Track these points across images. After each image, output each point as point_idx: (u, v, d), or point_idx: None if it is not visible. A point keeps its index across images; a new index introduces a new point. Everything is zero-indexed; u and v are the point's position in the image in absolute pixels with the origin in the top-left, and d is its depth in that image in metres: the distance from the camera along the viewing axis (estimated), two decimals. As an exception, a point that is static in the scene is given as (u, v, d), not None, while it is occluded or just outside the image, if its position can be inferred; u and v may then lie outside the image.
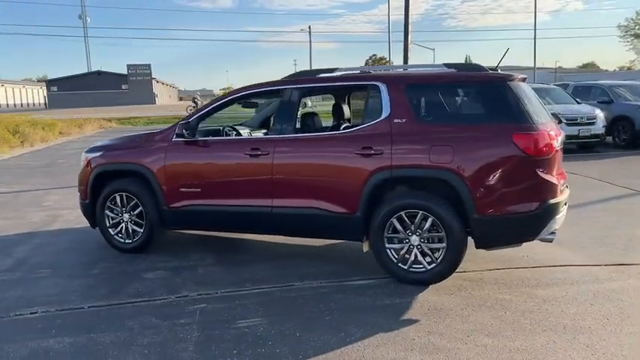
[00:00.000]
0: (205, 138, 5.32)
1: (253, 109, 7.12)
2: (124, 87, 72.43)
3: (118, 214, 5.57)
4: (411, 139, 4.47)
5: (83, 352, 3.48)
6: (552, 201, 4.31)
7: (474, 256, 5.17)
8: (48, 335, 3.72)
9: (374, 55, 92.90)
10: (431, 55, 60.65)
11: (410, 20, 13.35)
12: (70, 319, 4.02)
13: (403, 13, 13.29)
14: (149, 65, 74.14)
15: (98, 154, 5.71)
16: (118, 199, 5.54)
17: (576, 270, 4.85)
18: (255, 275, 4.86)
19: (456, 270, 4.63)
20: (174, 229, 5.61)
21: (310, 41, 57.65)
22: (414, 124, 4.50)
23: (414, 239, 4.48)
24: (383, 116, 4.59)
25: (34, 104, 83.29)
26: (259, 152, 4.92)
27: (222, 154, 5.16)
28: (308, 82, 5.09)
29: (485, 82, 4.51)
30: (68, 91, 69.68)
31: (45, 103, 77.71)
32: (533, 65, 41.55)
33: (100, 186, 5.62)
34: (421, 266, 4.49)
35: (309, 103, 14.77)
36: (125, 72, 73.70)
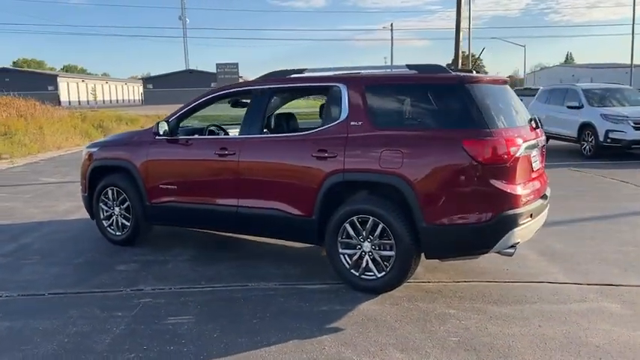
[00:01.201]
0: (183, 137, 5.44)
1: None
2: (212, 85, 75.51)
3: (110, 208, 5.86)
4: (364, 143, 4.34)
5: (11, 336, 3.71)
6: (509, 212, 4.01)
7: (449, 265, 4.95)
8: (-6, 318, 4.01)
9: (463, 52, 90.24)
10: (521, 52, 57.91)
11: (463, 19, 12.89)
12: (23, 304, 4.31)
13: (455, 13, 12.85)
14: (237, 64, 76.16)
15: (96, 149, 6.04)
16: (109, 193, 5.83)
17: (551, 288, 4.49)
18: (218, 273, 4.93)
19: (412, 279, 4.52)
20: (156, 224, 5.80)
21: (392, 39, 57.07)
22: (369, 128, 4.36)
23: (366, 246, 4.34)
24: (341, 118, 4.49)
25: (133, 100, 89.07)
26: (227, 152, 4.98)
27: (196, 154, 5.27)
28: (275, 82, 5.08)
29: (440, 84, 4.28)
30: (162, 88, 73.79)
31: (141, 100, 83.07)
32: (630, 63, 38.56)
33: (96, 180, 5.94)
34: (372, 274, 4.35)
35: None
36: (214, 71, 76.81)
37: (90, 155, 6.03)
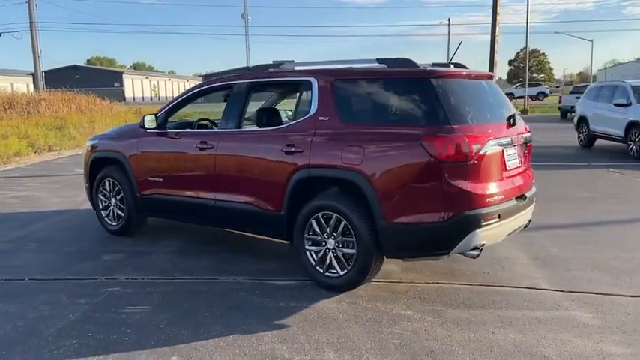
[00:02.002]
0: (168, 130, 5.53)
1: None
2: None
3: (107, 199, 6.06)
4: (329, 138, 4.27)
5: (-25, 318, 3.91)
6: (470, 212, 3.84)
7: (425, 265, 4.83)
8: (-32, 301, 4.23)
9: (524, 48, 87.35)
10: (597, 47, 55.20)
11: (501, 14, 12.39)
12: (1, 288, 4.52)
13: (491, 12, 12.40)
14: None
15: (96, 142, 6.25)
16: (107, 184, 6.03)
17: (526, 293, 4.27)
18: (194, 266, 4.99)
19: (383, 278, 4.48)
20: (147, 216, 5.94)
21: (449, 34, 55.84)
22: (336, 123, 4.29)
23: (330, 243, 4.28)
24: (310, 113, 4.44)
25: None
26: (206, 146, 5.03)
27: (179, 147, 5.35)
28: (251, 76, 5.08)
29: (405, 79, 4.14)
30: (220, 84, 75.48)
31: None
32: None
33: (95, 171, 6.16)
34: (335, 272, 4.28)
35: None
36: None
37: (91, 148, 6.25)
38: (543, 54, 79.52)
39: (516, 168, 4.37)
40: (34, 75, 35.48)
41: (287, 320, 3.79)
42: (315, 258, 4.37)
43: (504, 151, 4.17)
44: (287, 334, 3.57)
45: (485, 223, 3.90)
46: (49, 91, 31.39)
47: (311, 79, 4.52)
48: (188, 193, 5.24)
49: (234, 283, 4.53)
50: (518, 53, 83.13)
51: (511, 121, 4.30)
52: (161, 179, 5.46)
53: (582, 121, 14.76)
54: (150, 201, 5.60)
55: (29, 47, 34.56)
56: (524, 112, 33.05)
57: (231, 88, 5.12)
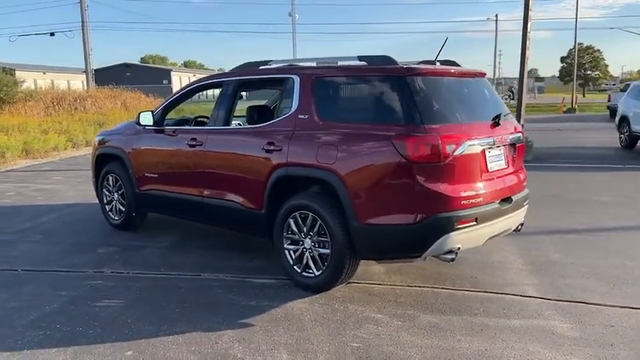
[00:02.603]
0: (163, 127, 5.58)
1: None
2: (313, 78, 76.72)
3: (111, 193, 6.19)
4: (307, 136, 4.21)
5: (-43, 306, 4.06)
6: (442, 215, 3.70)
7: (411, 268, 4.71)
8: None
9: (580, 43, 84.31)
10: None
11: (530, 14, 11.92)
12: None
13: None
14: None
15: (102, 137, 6.39)
16: (110, 179, 6.16)
17: (508, 300, 4.09)
18: (182, 261, 5.04)
19: (365, 280, 4.42)
20: (145, 211, 6.02)
21: (497, 30, 54.42)
22: (314, 121, 4.23)
23: (308, 243, 4.23)
24: (291, 111, 4.39)
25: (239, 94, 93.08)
26: (195, 143, 5.06)
27: (172, 144, 5.38)
28: (240, 74, 5.06)
29: (381, 77, 4.02)
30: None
31: (247, 93, 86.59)
32: None
33: (100, 166, 6.31)
34: (311, 272, 4.22)
35: None
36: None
37: (98, 143, 6.40)
38: (598, 50, 76.32)
39: (502, 170, 4.19)
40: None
41: (253, 319, 3.76)
42: (293, 257, 4.33)
43: (486, 152, 4.00)
44: (247, 334, 3.54)
45: (459, 227, 3.75)
46: (97, 89, 32.51)
47: (293, 76, 4.46)
48: (180, 190, 5.29)
49: (215, 280, 4.54)
50: (571, 50, 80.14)
51: (496, 121, 4.11)
52: (156, 175, 5.54)
53: (624, 120, 14.06)
54: (147, 197, 5.68)
55: (87, 45, 35.88)
56: (571, 110, 31.86)
57: (221, 86, 5.13)
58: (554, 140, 16.02)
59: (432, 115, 3.76)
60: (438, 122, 3.75)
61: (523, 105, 12.42)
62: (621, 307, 3.95)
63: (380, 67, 4.05)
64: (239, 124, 6.39)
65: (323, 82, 4.30)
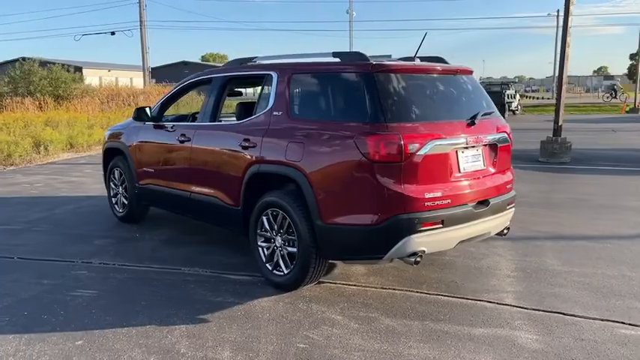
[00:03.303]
0: (158, 123, 5.67)
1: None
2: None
3: (116, 187, 6.38)
4: (278, 133, 4.18)
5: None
6: (404, 216, 3.58)
7: (393, 269, 4.60)
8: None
9: (650, 42, 79.64)
10: None
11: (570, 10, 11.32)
12: None
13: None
14: (389, 56, 76.72)
15: (110, 132, 6.58)
16: (116, 173, 6.35)
17: (480, 307, 3.92)
18: (170, 255, 5.11)
19: (341, 280, 4.37)
20: (145, 205, 6.15)
21: (557, 26, 52.15)
22: (286, 117, 4.19)
23: (278, 240, 4.20)
24: (268, 107, 4.37)
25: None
26: (184, 139, 5.12)
27: (166, 139, 5.47)
28: (225, 72, 5.07)
29: (349, 73, 3.92)
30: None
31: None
32: None
33: (107, 160, 6.51)
34: (281, 270, 4.19)
35: None
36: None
37: (107, 137, 6.60)
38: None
39: (478, 171, 4.01)
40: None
41: (212, 315, 3.77)
42: (266, 255, 4.31)
43: (458, 153, 3.84)
44: (200, 330, 3.55)
45: (422, 229, 3.61)
46: (152, 86, 33.57)
47: (272, 73, 4.44)
48: (172, 185, 5.37)
49: (193, 275, 4.58)
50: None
51: (471, 121, 3.93)
52: (152, 170, 5.65)
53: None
54: (145, 191, 5.81)
55: (145, 44, 37.21)
56: (634, 110, 30.21)
57: (209, 83, 5.16)
58: (603, 142, 15.25)
59: (396, 113, 3.64)
60: (402, 120, 3.63)
61: (562, 105, 11.85)
62: (601, 319, 3.70)
63: (348, 64, 3.96)
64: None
65: (298, 79, 4.25)
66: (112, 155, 6.39)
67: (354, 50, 4.13)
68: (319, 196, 3.80)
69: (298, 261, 4.01)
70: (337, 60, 4.14)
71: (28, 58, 26.58)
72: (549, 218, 6.52)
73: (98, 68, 57.29)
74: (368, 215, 3.63)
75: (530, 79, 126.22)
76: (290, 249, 4.08)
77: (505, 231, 4.45)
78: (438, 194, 3.68)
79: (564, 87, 11.89)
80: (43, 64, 26.78)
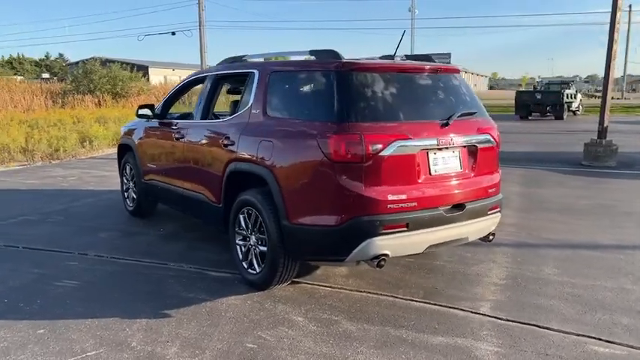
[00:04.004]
0: (163, 120, 5.78)
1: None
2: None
3: (128, 182, 6.58)
4: (254, 132, 4.18)
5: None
6: (365, 218, 3.49)
7: (374, 272, 4.50)
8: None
9: None
10: None
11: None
12: None
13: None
14: (449, 54, 75.08)
15: (125, 129, 6.79)
16: (127, 168, 6.55)
17: (450, 315, 3.77)
18: (163, 250, 5.21)
19: (321, 282, 4.33)
20: (150, 200, 6.28)
21: (629, 22, 49.47)
22: (262, 116, 4.18)
23: (253, 239, 4.20)
24: (248, 106, 4.38)
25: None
26: (179, 136, 5.22)
27: (165, 136, 5.57)
28: (218, 69, 5.11)
29: (319, 72, 3.85)
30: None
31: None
32: None
33: (121, 156, 6.72)
34: (254, 269, 4.20)
35: None
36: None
37: (122, 134, 6.82)
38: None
39: (454, 173, 3.85)
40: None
41: (176, 311, 3.81)
42: (242, 253, 4.32)
43: (429, 154, 3.70)
44: (158, 325, 3.60)
45: (385, 232, 3.51)
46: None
47: (254, 71, 4.44)
48: (169, 181, 5.49)
49: (176, 270, 4.65)
50: None
51: (445, 122, 3.78)
52: (154, 166, 5.79)
53: None
54: (149, 186, 5.96)
55: (203, 44, 38.23)
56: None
57: (203, 82, 5.23)
58: (658, 145, 14.34)
59: (360, 113, 3.55)
60: (366, 120, 3.54)
61: (607, 105, 11.23)
62: (577, 334, 3.48)
63: (318, 63, 3.91)
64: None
65: (275, 77, 4.23)
66: (125, 151, 6.59)
67: (328, 49, 4.04)
68: (286, 196, 3.77)
69: (267, 260, 4.00)
70: (312, 58, 4.08)
71: (100, 58, 27.94)
72: (566, 225, 6.19)
73: (163, 67, 59.30)
74: (330, 216, 3.57)
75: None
76: (262, 248, 4.08)
77: (491, 237, 4.26)
78: (403, 197, 3.56)
79: (610, 86, 11.27)
80: (104, 63, 28.05)
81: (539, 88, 30.59)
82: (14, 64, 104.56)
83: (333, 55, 3.89)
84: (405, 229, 3.57)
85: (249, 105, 4.32)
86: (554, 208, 7.07)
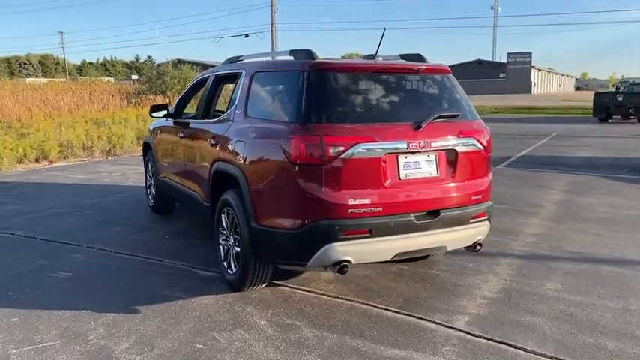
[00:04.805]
0: (175, 120, 5.90)
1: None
2: (501, 75, 72.30)
3: (149, 179, 6.80)
4: (234, 132, 4.18)
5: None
6: (324, 222, 3.39)
7: (360, 278, 4.39)
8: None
9: None
10: None
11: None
12: (11, 241, 5.53)
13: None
14: (530, 53, 72.09)
15: (151, 128, 7.00)
16: (149, 166, 6.77)
17: (420, 329, 3.59)
18: (165, 247, 5.30)
19: (304, 286, 4.28)
20: (165, 197, 6.43)
21: None
22: (243, 116, 4.18)
23: (231, 239, 4.21)
24: (233, 106, 4.40)
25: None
26: (183, 135, 5.32)
27: (174, 136, 5.69)
28: (217, 70, 5.15)
29: (290, 72, 3.77)
30: (452, 79, 74.01)
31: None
32: None
33: (145, 155, 6.96)
34: (232, 269, 4.20)
35: None
36: (504, 60, 73.83)
37: (147, 133, 7.05)
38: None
39: (429, 179, 3.65)
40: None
41: (146, 308, 3.87)
42: (223, 252, 4.33)
43: (398, 158, 3.53)
44: (123, 320, 3.66)
45: (345, 237, 3.39)
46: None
47: (242, 71, 4.44)
48: (175, 179, 5.61)
49: (167, 267, 4.73)
50: None
51: (418, 125, 3.59)
52: (166, 164, 5.94)
53: None
54: (163, 184, 6.12)
55: (275, 45, 39.13)
56: None
57: (205, 81, 5.29)
58: None
59: (324, 114, 3.45)
60: (329, 122, 3.43)
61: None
62: (549, 357, 3.20)
63: (291, 63, 3.84)
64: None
65: (257, 78, 4.21)
66: (147, 149, 6.80)
67: (304, 48, 3.94)
68: (253, 198, 3.74)
69: (240, 262, 3.98)
70: (290, 58, 4.02)
71: (181, 60, 29.20)
72: (596, 237, 5.73)
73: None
74: (291, 220, 3.50)
75: None
76: (237, 249, 4.06)
77: (478, 247, 4.00)
78: (366, 201, 3.42)
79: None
80: (176, 64, 29.25)
81: (621, 88, 28.59)
82: (107, 67, 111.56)
83: (306, 55, 3.80)
84: (368, 235, 3.42)
85: (234, 106, 4.33)
86: (593, 218, 6.57)
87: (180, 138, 5.34)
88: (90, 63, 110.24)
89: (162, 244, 5.40)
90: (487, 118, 27.66)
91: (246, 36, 44.07)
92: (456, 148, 3.74)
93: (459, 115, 3.83)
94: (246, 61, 4.67)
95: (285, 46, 77.26)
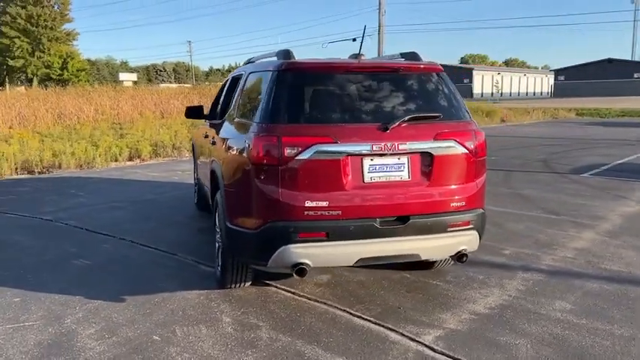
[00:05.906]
0: (208, 121, 6.11)
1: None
2: (635, 75, 65.73)
3: (195, 177, 7.14)
4: (223, 132, 4.31)
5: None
6: (278, 223, 3.36)
7: (352, 283, 4.30)
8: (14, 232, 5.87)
9: None
10: None
11: None
12: (42, 227, 6.11)
13: None
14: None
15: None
16: (194, 165, 7.10)
17: (382, 338, 3.43)
18: (185, 243, 5.49)
19: (290, 288, 4.27)
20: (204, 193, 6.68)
21: None
22: (233, 116, 4.28)
23: (218, 237, 4.31)
24: (232, 106, 4.50)
25: (540, 93, 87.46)
26: (205, 136, 5.52)
27: (201, 137, 5.90)
28: (235, 72, 5.25)
29: (266, 73, 3.75)
30: (574, 79, 68.70)
31: (550, 92, 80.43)
32: None
33: (193, 154, 7.31)
34: (219, 266, 4.30)
35: None
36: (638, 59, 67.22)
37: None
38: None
39: (399, 183, 3.46)
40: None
41: (132, 298, 4.05)
42: (216, 250, 4.44)
43: (363, 160, 3.39)
44: (105, 308, 3.87)
45: (300, 239, 3.33)
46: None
47: (243, 72, 4.54)
48: (202, 178, 5.83)
49: (176, 261, 4.93)
50: None
51: (385, 126, 3.41)
52: (198, 163, 6.21)
53: None
54: (199, 182, 6.39)
55: (381, 48, 39.23)
56: None
57: (227, 83, 5.45)
58: None
59: (283, 114, 3.41)
60: (288, 122, 3.39)
61: None
62: (504, 383, 2.90)
63: (269, 63, 3.85)
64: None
65: (249, 79, 4.28)
66: (194, 149, 7.13)
67: (285, 49, 3.92)
68: (225, 197, 3.82)
69: (220, 259, 4.06)
70: (275, 59, 4.02)
71: None
72: (625, 251, 5.10)
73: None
74: (252, 220, 3.50)
75: None
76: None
77: (464, 258, 3.72)
78: (324, 203, 3.33)
79: None
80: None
81: None
82: (209, 75, 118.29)
83: (284, 55, 3.79)
84: (325, 237, 3.33)
85: (233, 106, 4.42)
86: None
87: (204, 138, 5.53)
88: (217, 69, 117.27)
89: (185, 240, 5.63)
90: (607, 121, 25.44)
91: (354, 40, 44.14)
92: (431, 151, 3.50)
93: (438, 116, 3.59)
94: (255, 62, 4.74)
95: (393, 49, 76.53)
